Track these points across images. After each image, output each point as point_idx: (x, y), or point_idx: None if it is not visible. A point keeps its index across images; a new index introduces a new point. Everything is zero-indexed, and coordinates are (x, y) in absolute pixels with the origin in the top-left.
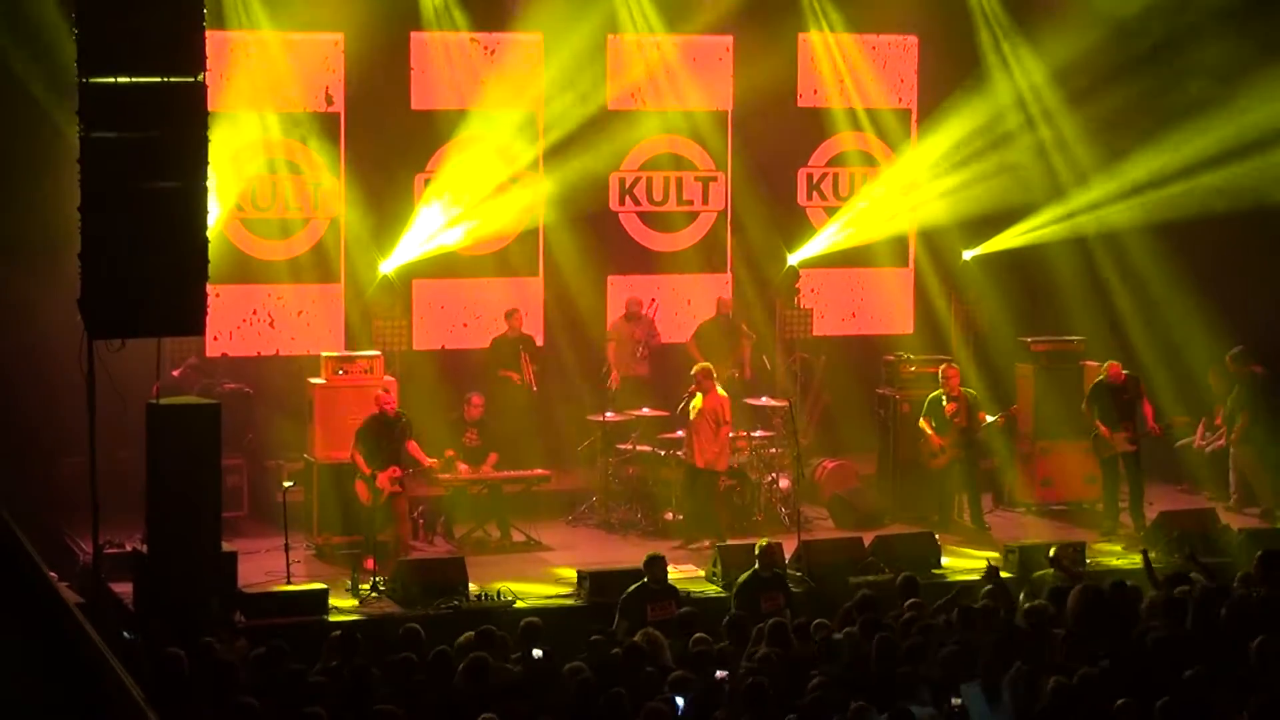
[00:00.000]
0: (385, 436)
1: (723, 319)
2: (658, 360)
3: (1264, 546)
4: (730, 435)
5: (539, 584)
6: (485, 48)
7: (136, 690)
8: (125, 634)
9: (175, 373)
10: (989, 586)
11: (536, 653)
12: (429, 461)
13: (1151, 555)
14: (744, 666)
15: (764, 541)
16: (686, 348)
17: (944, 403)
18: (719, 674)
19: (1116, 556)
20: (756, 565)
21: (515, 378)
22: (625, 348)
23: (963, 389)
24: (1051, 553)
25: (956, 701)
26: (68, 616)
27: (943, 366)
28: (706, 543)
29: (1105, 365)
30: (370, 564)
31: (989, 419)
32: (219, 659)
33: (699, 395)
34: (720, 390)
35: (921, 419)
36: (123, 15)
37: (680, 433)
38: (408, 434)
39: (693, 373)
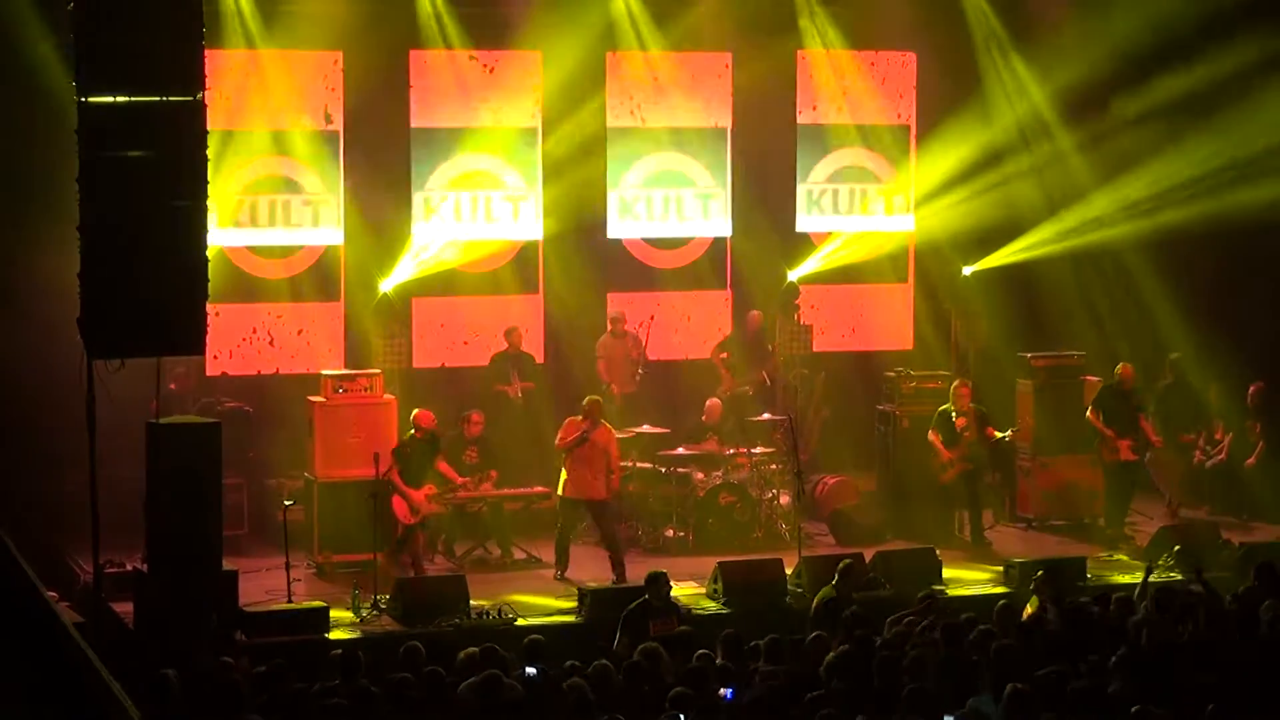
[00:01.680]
0: (421, 456)
1: (749, 335)
2: (655, 376)
3: (1262, 560)
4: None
5: (540, 602)
6: (484, 65)
7: (133, 710)
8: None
9: (172, 385)
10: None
11: (530, 670)
12: (459, 480)
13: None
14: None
15: (847, 562)
16: (712, 361)
17: (954, 417)
18: (721, 690)
19: (1119, 571)
20: (835, 581)
21: (510, 391)
22: (616, 365)
23: (973, 404)
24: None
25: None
26: (65, 636)
27: (954, 383)
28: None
29: (1117, 369)
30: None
31: (999, 435)
32: (221, 678)
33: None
34: (608, 424)
35: (930, 432)
36: (121, 34)
37: (682, 449)
38: (438, 454)
39: (584, 404)
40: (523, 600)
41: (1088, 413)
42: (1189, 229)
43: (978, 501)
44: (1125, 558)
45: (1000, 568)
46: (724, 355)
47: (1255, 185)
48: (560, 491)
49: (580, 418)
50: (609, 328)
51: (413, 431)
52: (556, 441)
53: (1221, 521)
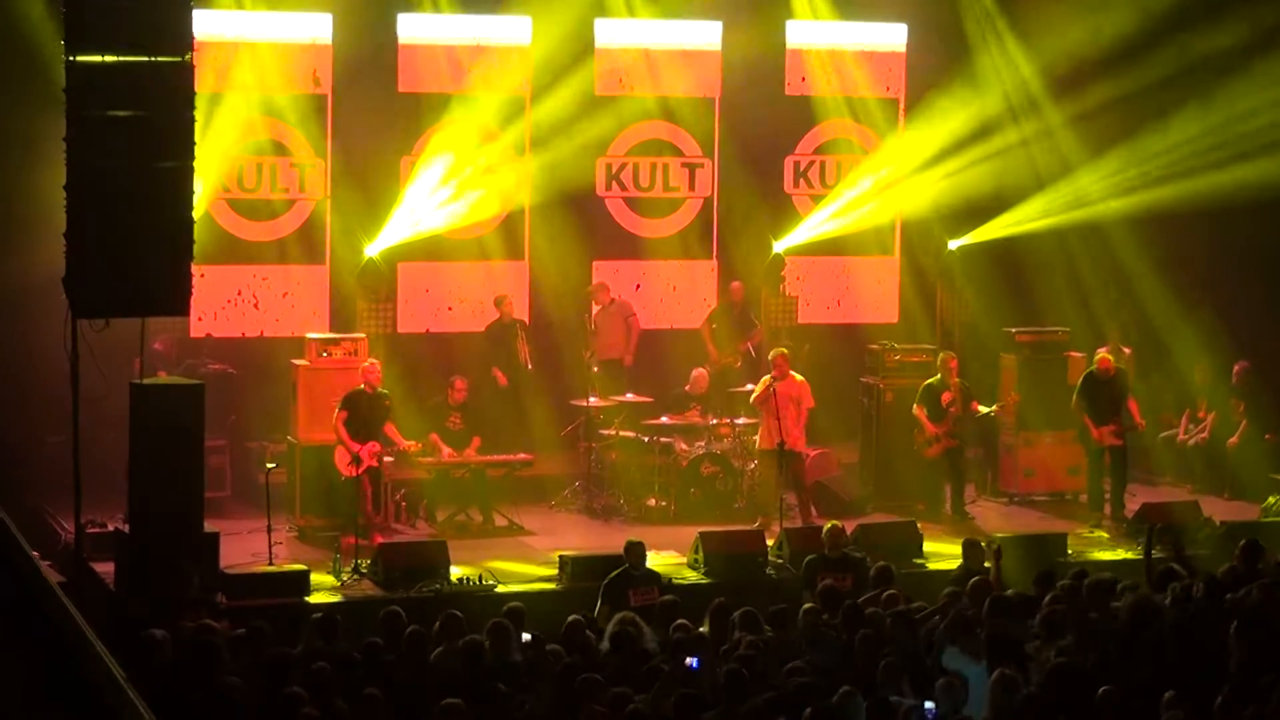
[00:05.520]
0: (368, 411)
1: (734, 306)
2: (640, 345)
3: (1245, 538)
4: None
5: (521, 568)
6: (473, 30)
7: (118, 670)
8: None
9: (157, 345)
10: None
11: (525, 637)
12: (405, 444)
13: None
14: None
15: (830, 524)
16: (700, 333)
17: (940, 391)
18: (687, 660)
19: (1099, 548)
20: (826, 549)
21: (503, 380)
22: (606, 335)
23: (958, 379)
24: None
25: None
26: (50, 596)
27: (942, 355)
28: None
29: (1096, 358)
30: (352, 542)
31: (983, 409)
32: (201, 640)
33: (775, 380)
34: (797, 375)
35: (915, 406)
36: None
37: (665, 418)
38: (386, 416)
39: (770, 357)
40: (503, 566)
41: (1073, 402)
42: (1175, 206)
43: (961, 476)
44: (1106, 535)
45: (982, 542)
46: (713, 326)
47: (1242, 163)
48: (759, 445)
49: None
50: (593, 304)
51: (363, 386)
52: (751, 399)
53: (1203, 500)
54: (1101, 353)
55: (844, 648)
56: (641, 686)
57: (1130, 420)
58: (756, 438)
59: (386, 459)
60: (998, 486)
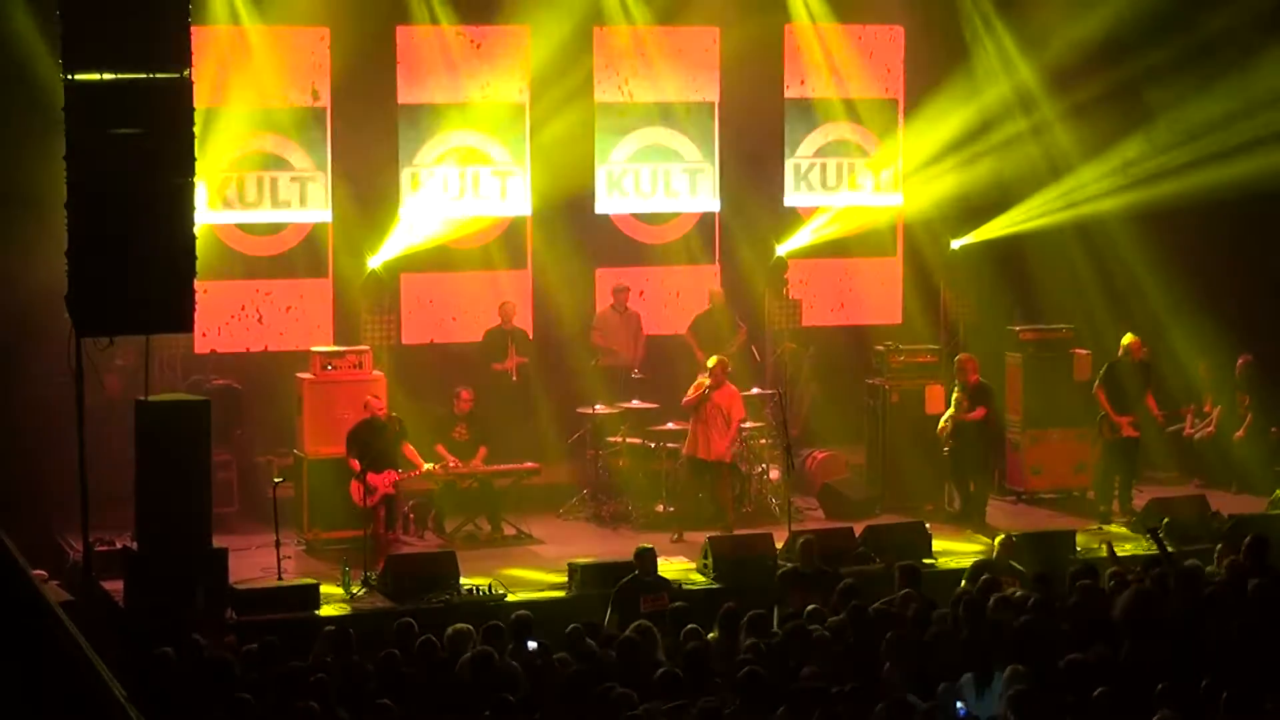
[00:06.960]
0: (376, 439)
1: (717, 310)
2: (646, 351)
3: (1253, 532)
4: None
5: (530, 577)
6: (472, 41)
7: (117, 687)
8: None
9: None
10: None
11: (532, 645)
12: (425, 468)
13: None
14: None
15: (804, 538)
16: (684, 338)
17: (955, 393)
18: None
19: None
20: (800, 563)
21: (508, 368)
22: (614, 339)
23: (980, 379)
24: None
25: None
26: (48, 613)
27: (958, 357)
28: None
29: (1124, 342)
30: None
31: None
32: (213, 656)
33: (711, 389)
34: (732, 385)
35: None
36: (107, 11)
37: (671, 424)
38: (402, 437)
39: (709, 365)
40: (513, 576)
41: (1094, 388)
42: (1177, 201)
43: (985, 477)
44: (1119, 530)
45: (990, 541)
46: (696, 333)
47: (1245, 156)
48: (684, 450)
49: (706, 378)
50: (610, 300)
51: (369, 416)
52: (682, 400)
53: (1210, 494)
54: (1130, 336)
55: (846, 649)
56: (650, 695)
57: (1150, 413)
58: (685, 442)
59: (404, 481)
60: (1004, 485)
